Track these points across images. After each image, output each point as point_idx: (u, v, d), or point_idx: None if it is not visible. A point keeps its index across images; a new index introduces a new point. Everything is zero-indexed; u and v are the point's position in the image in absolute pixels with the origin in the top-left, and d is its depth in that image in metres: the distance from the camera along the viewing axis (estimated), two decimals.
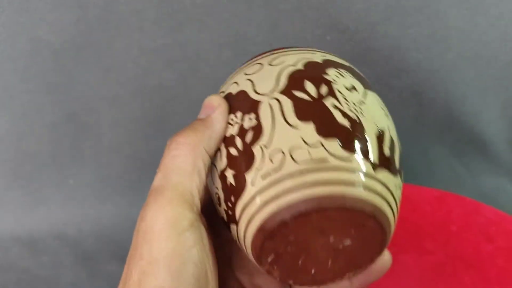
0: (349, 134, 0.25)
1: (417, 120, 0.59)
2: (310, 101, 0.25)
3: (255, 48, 0.54)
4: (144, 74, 0.54)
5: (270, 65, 0.28)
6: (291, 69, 0.27)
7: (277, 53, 0.29)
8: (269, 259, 0.25)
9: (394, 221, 0.26)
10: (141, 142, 0.58)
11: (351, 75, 0.28)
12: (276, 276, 0.26)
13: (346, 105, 0.26)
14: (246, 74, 0.28)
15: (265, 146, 0.25)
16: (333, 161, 0.24)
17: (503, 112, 0.59)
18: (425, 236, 0.49)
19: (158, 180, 0.24)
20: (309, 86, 0.26)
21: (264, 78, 0.27)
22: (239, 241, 0.26)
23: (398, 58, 0.55)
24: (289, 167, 0.24)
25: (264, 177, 0.24)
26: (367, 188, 0.24)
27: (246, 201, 0.25)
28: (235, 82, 0.28)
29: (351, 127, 0.25)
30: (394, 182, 0.26)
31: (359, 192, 0.24)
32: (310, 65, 0.27)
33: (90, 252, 0.59)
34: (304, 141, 0.24)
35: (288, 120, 0.25)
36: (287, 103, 0.25)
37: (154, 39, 0.52)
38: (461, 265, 0.47)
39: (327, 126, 0.25)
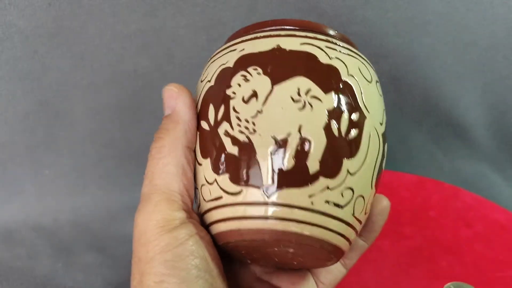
0: (237, 164, 0.24)
1: (396, 106, 0.58)
2: (208, 131, 0.25)
3: (231, 33, 0.53)
4: (118, 60, 0.53)
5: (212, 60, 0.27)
6: (206, 86, 0.26)
7: (245, 39, 0.26)
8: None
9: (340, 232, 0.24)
10: (116, 130, 0.57)
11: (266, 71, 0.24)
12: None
13: (237, 127, 0.24)
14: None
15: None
16: (227, 198, 0.24)
17: (482, 97, 0.59)
18: (404, 222, 0.49)
19: (145, 186, 0.25)
20: (210, 111, 0.25)
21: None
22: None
23: (376, 43, 0.55)
24: (202, 206, 0.26)
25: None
26: (270, 217, 0.23)
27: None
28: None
29: (239, 153, 0.23)
30: (310, 192, 0.23)
31: (259, 224, 0.23)
32: (222, 74, 0.25)
33: (66, 243, 0.57)
34: (205, 179, 0.25)
35: (198, 159, 0.26)
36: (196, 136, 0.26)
37: (128, 24, 0.51)
38: (438, 250, 0.47)
39: (218, 161, 0.24)
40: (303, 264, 0.27)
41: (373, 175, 0.25)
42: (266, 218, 0.23)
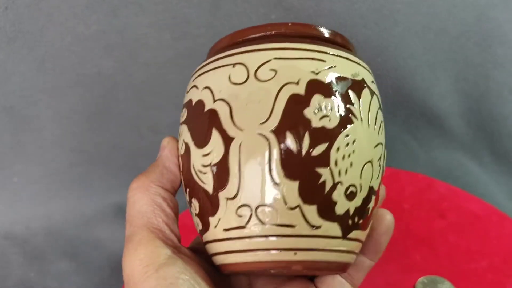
0: (329, 201, 0.22)
1: None
2: (300, 158, 0.22)
3: (196, 31, 0.52)
4: (81, 62, 0.52)
5: (258, 79, 0.22)
6: (290, 89, 0.22)
7: (269, 47, 0.23)
8: None
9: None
10: (85, 134, 0.56)
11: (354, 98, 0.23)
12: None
13: (340, 162, 0.22)
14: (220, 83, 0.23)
15: (231, 199, 0.23)
16: (303, 229, 0.22)
17: (455, 85, 0.59)
18: None
19: (126, 231, 0.25)
20: (306, 136, 0.22)
21: (249, 103, 0.22)
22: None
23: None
24: (254, 229, 0.22)
25: (226, 229, 0.23)
26: (337, 251, 0.23)
27: (209, 239, 0.25)
28: (207, 87, 0.24)
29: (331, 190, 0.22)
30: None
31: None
32: (312, 87, 0.22)
33: (39, 251, 0.56)
34: (284, 201, 0.22)
35: (273, 175, 0.22)
36: (276, 151, 0.22)
37: (89, 25, 0.50)
38: (412, 243, 0.46)
39: (311, 190, 0.22)
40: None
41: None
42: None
